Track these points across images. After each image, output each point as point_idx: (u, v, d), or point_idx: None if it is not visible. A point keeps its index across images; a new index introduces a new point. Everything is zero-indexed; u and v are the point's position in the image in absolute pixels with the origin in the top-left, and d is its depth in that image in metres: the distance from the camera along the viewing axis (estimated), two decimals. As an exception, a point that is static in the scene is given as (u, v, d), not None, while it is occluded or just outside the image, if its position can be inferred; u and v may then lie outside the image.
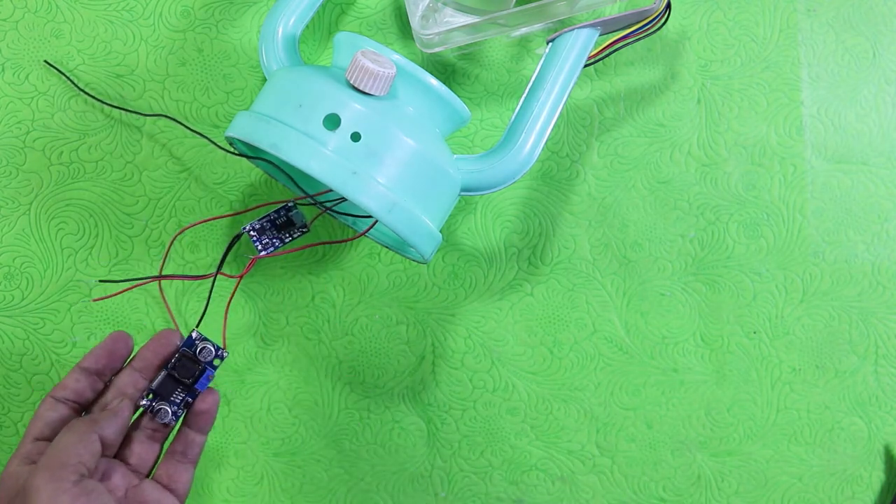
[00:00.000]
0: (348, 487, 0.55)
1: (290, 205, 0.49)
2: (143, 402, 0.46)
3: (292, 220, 0.49)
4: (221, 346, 0.47)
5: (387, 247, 0.52)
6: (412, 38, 0.54)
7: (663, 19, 0.49)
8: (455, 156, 0.47)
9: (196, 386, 0.47)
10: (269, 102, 0.44)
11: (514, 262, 0.55)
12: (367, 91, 0.42)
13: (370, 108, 0.42)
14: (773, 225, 0.56)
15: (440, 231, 0.46)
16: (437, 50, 0.53)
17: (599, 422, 0.55)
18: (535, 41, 0.55)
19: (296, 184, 0.48)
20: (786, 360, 0.56)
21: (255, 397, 0.54)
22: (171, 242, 0.53)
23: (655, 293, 0.55)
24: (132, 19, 0.54)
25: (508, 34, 0.53)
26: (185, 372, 0.47)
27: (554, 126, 0.47)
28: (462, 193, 0.47)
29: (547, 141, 0.47)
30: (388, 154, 0.42)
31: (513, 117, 0.48)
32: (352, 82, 0.42)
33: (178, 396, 0.46)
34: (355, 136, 0.41)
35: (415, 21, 0.51)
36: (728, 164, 0.55)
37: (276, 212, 0.49)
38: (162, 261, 0.53)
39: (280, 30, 0.48)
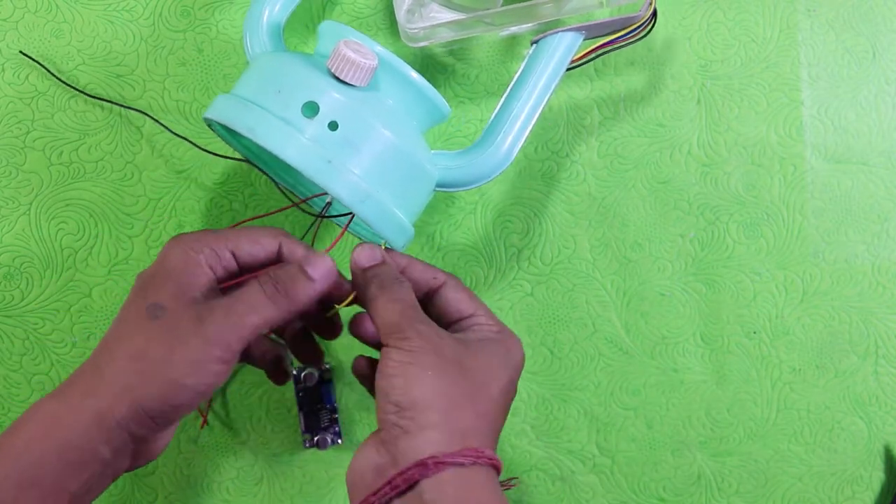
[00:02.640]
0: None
1: None
2: (305, 444, 0.54)
3: None
4: (321, 362, 0.52)
5: (359, 237, 0.51)
6: (399, 35, 0.54)
7: (649, 27, 0.49)
8: (433, 151, 0.47)
9: (327, 404, 0.54)
10: (249, 87, 0.44)
11: (514, 262, 0.55)
12: (347, 81, 0.42)
13: (350, 97, 0.42)
14: (773, 225, 0.56)
15: (413, 225, 0.45)
16: (421, 45, 0.52)
17: (599, 422, 0.55)
18: (525, 41, 0.55)
19: (266, 173, 0.47)
20: (786, 360, 0.56)
21: (254, 397, 0.54)
22: None
23: (655, 293, 0.55)
24: (132, 19, 0.54)
25: (496, 33, 0.53)
26: (313, 400, 0.53)
27: (533, 127, 0.47)
28: (437, 189, 0.47)
29: (527, 140, 0.47)
30: (364, 145, 0.42)
31: (492, 116, 0.48)
32: (333, 71, 0.42)
33: (325, 418, 0.53)
34: (333, 126, 0.41)
35: (400, 15, 0.51)
36: (728, 164, 0.55)
37: None
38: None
39: (265, 16, 0.48)
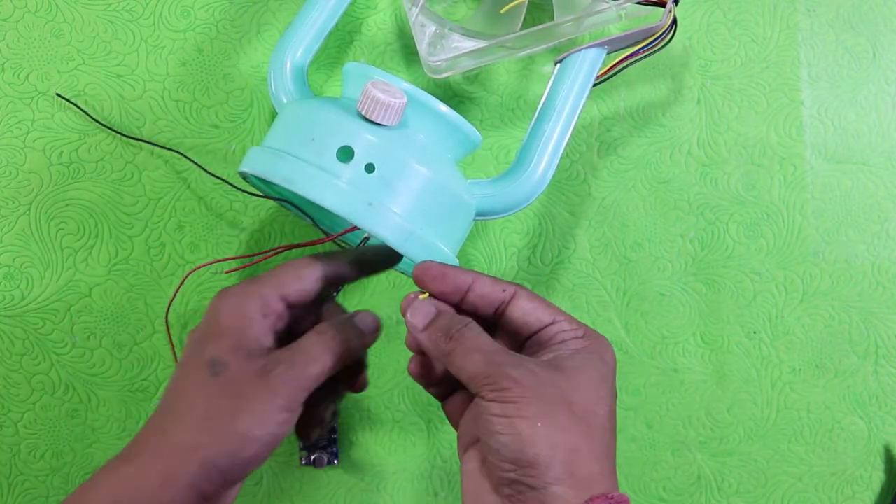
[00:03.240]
0: (348, 487, 0.55)
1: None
2: (301, 461, 0.53)
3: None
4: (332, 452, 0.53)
5: (403, 273, 0.52)
6: (418, 64, 0.54)
7: (670, 35, 0.49)
8: (468, 181, 0.47)
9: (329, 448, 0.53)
10: (282, 136, 0.44)
11: (514, 262, 0.55)
12: (378, 122, 0.42)
13: (383, 138, 0.42)
14: (773, 225, 0.56)
15: (457, 256, 0.45)
16: (444, 76, 0.53)
17: (599, 422, 0.55)
18: (541, 59, 0.55)
19: (310, 216, 0.47)
20: (786, 360, 0.56)
21: (255, 397, 0.54)
22: (183, 281, 0.53)
23: (655, 293, 0.55)
24: (132, 19, 0.54)
25: (515, 55, 0.53)
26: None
27: (566, 146, 0.48)
28: (477, 218, 0.47)
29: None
30: (402, 183, 0.42)
31: (524, 140, 0.48)
32: (363, 113, 0.42)
33: (324, 437, 0.53)
34: (369, 168, 0.41)
35: (422, 48, 0.51)
36: (728, 164, 0.55)
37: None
38: (170, 300, 0.53)
39: (288, 61, 0.49)
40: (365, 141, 0.42)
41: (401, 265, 0.52)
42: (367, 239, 0.45)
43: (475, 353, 0.38)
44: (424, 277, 0.41)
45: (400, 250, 0.42)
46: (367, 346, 0.43)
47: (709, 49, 0.55)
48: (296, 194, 0.42)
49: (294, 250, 0.53)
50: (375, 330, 0.43)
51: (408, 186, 0.42)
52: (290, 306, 0.43)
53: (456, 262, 0.45)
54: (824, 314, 0.56)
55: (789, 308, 0.56)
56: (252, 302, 0.41)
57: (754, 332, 0.56)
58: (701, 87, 0.55)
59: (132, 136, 0.53)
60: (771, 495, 0.56)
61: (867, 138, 0.56)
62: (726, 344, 0.56)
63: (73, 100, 0.53)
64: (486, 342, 0.39)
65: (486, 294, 0.41)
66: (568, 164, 0.55)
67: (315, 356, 0.41)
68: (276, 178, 0.42)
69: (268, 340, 0.41)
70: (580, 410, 0.38)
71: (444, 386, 0.43)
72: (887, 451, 0.56)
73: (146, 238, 0.53)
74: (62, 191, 0.53)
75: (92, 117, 0.53)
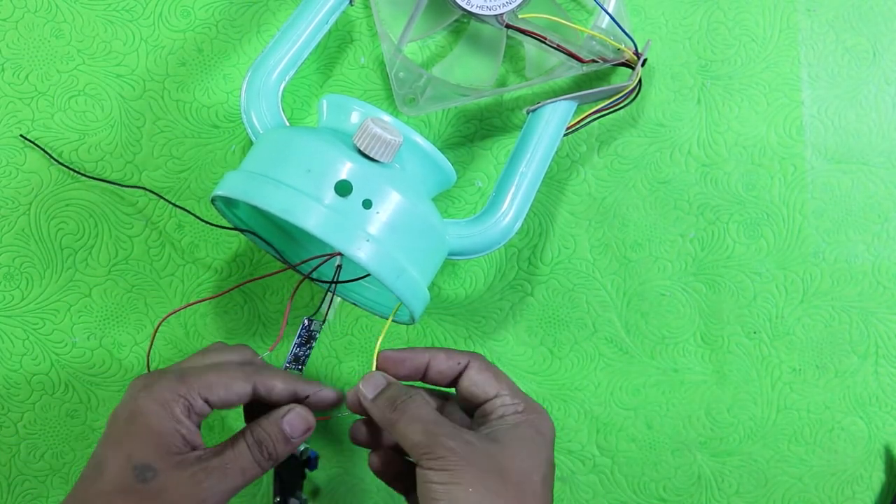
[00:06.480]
0: (348, 488, 0.55)
1: (305, 321, 0.48)
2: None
3: (313, 329, 0.48)
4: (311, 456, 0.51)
5: (354, 303, 0.51)
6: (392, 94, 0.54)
7: (635, 93, 0.52)
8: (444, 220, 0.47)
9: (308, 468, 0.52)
10: (271, 164, 0.43)
11: (514, 262, 0.55)
12: (375, 158, 0.42)
13: (378, 175, 0.42)
14: (773, 225, 0.56)
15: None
16: (418, 114, 0.53)
17: (599, 422, 0.55)
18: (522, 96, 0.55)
19: (272, 246, 0.47)
20: (786, 360, 0.56)
21: (255, 397, 0.54)
22: (156, 330, 0.53)
23: (655, 293, 0.55)
24: (132, 19, 0.54)
25: (485, 95, 0.54)
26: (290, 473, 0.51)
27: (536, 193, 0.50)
28: (447, 258, 0.48)
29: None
30: (395, 220, 0.42)
31: (495, 187, 0.49)
32: (361, 148, 0.42)
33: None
34: (367, 204, 0.41)
35: (398, 101, 0.52)
36: (728, 164, 0.55)
37: (298, 336, 0.48)
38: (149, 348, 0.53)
39: (263, 85, 0.48)
40: (363, 177, 0.42)
41: (368, 301, 0.51)
42: (340, 267, 0.45)
43: (416, 423, 0.41)
44: (386, 365, 0.44)
45: (391, 287, 0.42)
46: (292, 451, 0.45)
47: (709, 49, 0.55)
48: (261, 225, 0.41)
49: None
50: (306, 431, 0.45)
51: (401, 224, 0.42)
52: (213, 406, 0.44)
53: (428, 298, 0.45)
54: (824, 314, 0.56)
55: (789, 308, 0.56)
56: (177, 404, 0.42)
57: (754, 332, 0.56)
58: (701, 87, 0.55)
59: (96, 177, 0.53)
60: (771, 495, 0.56)
61: (867, 138, 0.56)
62: (726, 344, 0.56)
63: (73, 99, 0.53)
64: (427, 413, 0.42)
65: (443, 370, 0.45)
66: (568, 164, 0.55)
67: (244, 468, 0.42)
68: (273, 209, 0.41)
69: (196, 439, 0.43)
70: (513, 478, 0.40)
71: (403, 482, 0.47)
72: (887, 451, 0.56)
73: (146, 238, 0.53)
74: (62, 191, 0.53)
75: (54, 158, 0.52)
